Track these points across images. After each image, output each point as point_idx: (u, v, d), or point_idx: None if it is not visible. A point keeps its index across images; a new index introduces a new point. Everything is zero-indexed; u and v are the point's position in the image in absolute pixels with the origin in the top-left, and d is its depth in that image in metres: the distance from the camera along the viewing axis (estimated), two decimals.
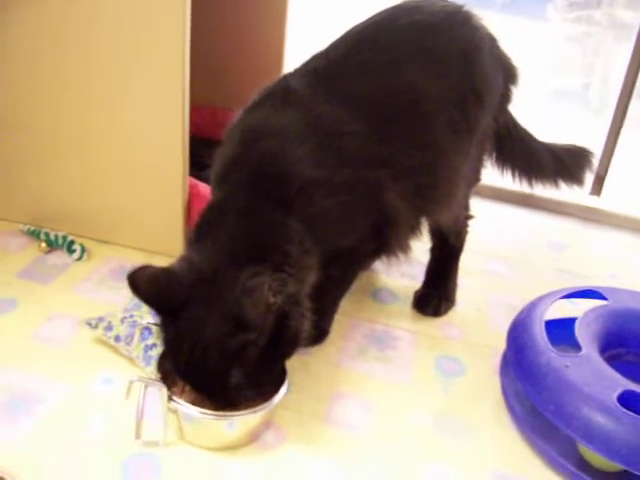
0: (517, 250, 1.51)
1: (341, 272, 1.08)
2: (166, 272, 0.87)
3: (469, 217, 1.28)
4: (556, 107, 2.97)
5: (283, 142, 0.96)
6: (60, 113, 1.26)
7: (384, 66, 1.04)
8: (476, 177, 1.24)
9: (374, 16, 1.10)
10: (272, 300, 0.82)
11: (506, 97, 1.23)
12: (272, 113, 0.99)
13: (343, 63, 1.04)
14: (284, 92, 1.02)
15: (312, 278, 0.96)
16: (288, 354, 0.91)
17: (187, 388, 0.90)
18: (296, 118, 0.98)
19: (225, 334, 0.84)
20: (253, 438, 0.93)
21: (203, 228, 0.94)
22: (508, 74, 1.20)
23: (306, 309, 0.91)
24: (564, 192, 1.39)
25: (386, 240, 1.06)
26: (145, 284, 0.85)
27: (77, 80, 1.22)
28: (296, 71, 1.07)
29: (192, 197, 1.28)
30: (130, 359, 1.03)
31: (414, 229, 1.11)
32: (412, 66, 1.05)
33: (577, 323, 1.02)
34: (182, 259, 0.91)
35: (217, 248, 0.89)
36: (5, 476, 0.84)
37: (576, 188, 1.38)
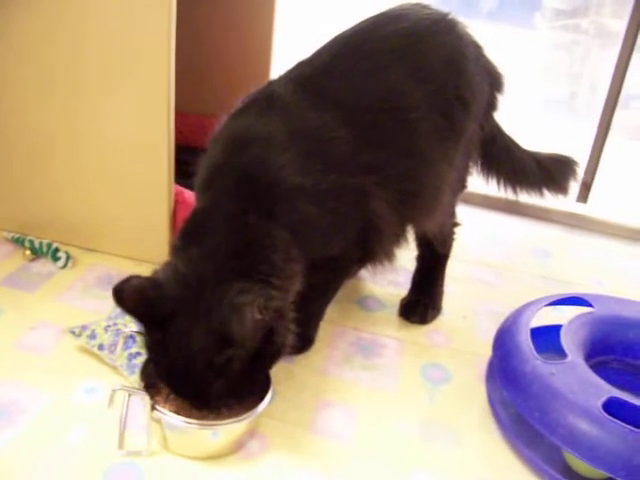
0: (503, 258, 1.52)
1: (326, 280, 1.08)
2: (152, 283, 0.87)
3: (455, 224, 1.28)
4: (543, 115, 2.99)
5: (267, 149, 0.95)
6: (46, 120, 1.25)
7: (369, 73, 1.04)
8: (462, 185, 1.24)
9: (359, 23, 1.10)
10: (259, 317, 0.81)
11: (492, 105, 1.23)
12: (256, 120, 0.99)
13: (328, 70, 1.04)
14: (269, 99, 1.02)
15: (297, 286, 0.96)
16: (271, 364, 0.91)
17: (171, 397, 0.90)
18: (280, 125, 0.97)
19: (210, 348, 0.83)
20: (237, 447, 0.92)
21: (188, 235, 0.93)
22: (494, 81, 1.20)
23: (290, 321, 0.90)
24: (550, 199, 1.39)
25: (371, 248, 1.05)
26: (131, 296, 0.84)
27: (63, 87, 1.22)
28: (281, 78, 1.06)
29: (178, 205, 1.27)
30: (114, 368, 1.02)
31: (399, 237, 1.11)
32: (397, 73, 1.05)
33: (563, 330, 1.02)
34: (167, 267, 0.90)
35: (203, 258, 0.89)
36: None
37: (561, 197, 1.38)
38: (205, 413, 0.88)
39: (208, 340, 0.84)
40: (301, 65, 1.07)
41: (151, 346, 0.88)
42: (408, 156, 1.04)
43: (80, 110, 1.23)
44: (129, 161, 1.25)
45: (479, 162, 1.28)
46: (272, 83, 1.06)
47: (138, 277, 0.86)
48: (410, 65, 1.06)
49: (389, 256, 1.09)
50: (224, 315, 0.83)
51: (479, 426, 1.02)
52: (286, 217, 0.94)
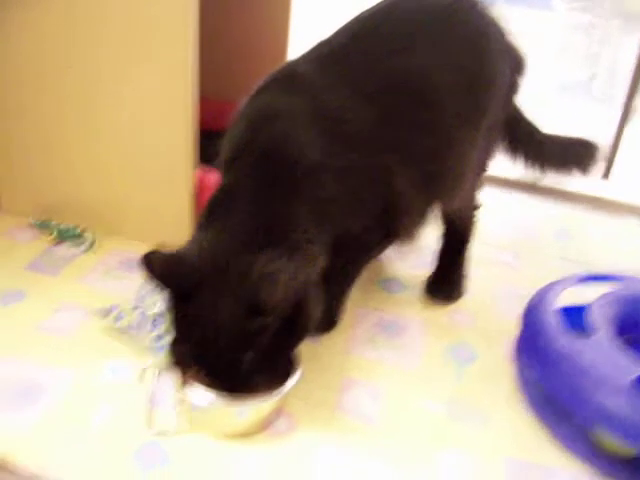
0: (525, 239, 1.50)
1: (349, 260, 1.07)
2: (180, 255, 0.87)
3: (477, 206, 1.27)
4: (561, 98, 2.95)
5: (289, 127, 0.95)
6: (65, 105, 1.25)
7: (390, 53, 1.03)
8: (483, 167, 1.23)
9: (380, 3, 1.09)
10: (288, 285, 0.81)
11: (513, 87, 1.21)
12: (278, 98, 0.99)
13: (349, 50, 1.03)
14: (290, 78, 1.02)
15: (321, 263, 0.96)
16: (300, 339, 0.91)
17: (199, 375, 0.90)
18: (302, 103, 0.97)
19: (240, 318, 0.83)
20: (265, 426, 0.92)
21: (213, 212, 0.93)
22: (515, 63, 1.18)
23: (317, 294, 0.90)
24: (571, 180, 1.38)
25: (394, 227, 1.05)
26: (159, 266, 0.85)
27: (83, 72, 1.21)
28: (301, 58, 1.06)
29: (200, 188, 1.27)
30: (140, 348, 1.03)
31: (422, 217, 1.10)
32: (418, 53, 1.04)
33: (590, 308, 1.01)
34: (193, 242, 0.90)
35: (228, 233, 0.89)
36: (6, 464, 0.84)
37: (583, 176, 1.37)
38: (233, 391, 0.88)
39: (237, 310, 0.83)
40: (321, 45, 1.07)
41: (178, 321, 0.88)
42: (431, 136, 1.03)
43: (100, 95, 1.23)
44: (151, 146, 1.24)
45: (504, 144, 1.27)
46: (292, 63, 1.06)
47: (167, 249, 0.86)
48: (431, 45, 1.05)
49: (411, 236, 1.09)
50: (254, 283, 0.83)
51: (506, 405, 1.01)
52: (309, 194, 0.94)
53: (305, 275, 0.87)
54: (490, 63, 1.10)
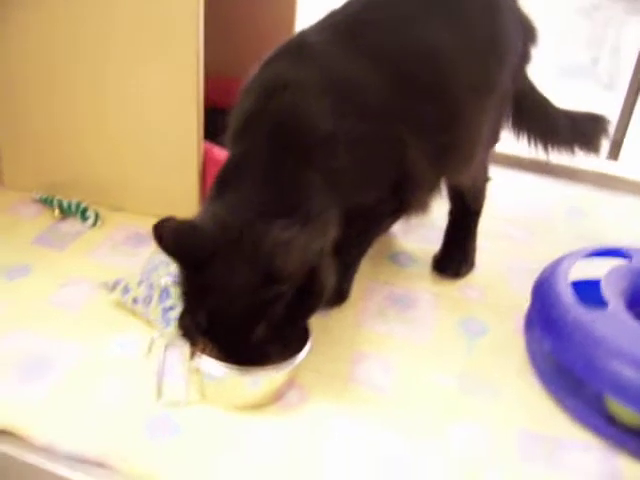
0: (535, 216, 1.49)
1: (360, 231, 1.06)
2: (191, 225, 0.86)
3: (487, 179, 1.26)
4: (564, 81, 2.94)
5: (301, 95, 0.94)
6: (73, 80, 1.24)
7: (402, 22, 1.02)
8: (495, 139, 1.22)
9: None
10: (302, 253, 0.80)
11: (524, 58, 1.21)
12: (289, 67, 0.97)
13: (360, 18, 1.02)
14: (300, 47, 1.00)
15: (333, 234, 0.95)
16: (313, 310, 0.90)
17: (209, 346, 0.89)
18: (313, 72, 0.96)
19: (252, 287, 0.82)
20: (277, 397, 0.92)
21: (224, 183, 0.92)
22: (527, 34, 1.18)
23: (330, 265, 0.89)
24: (581, 159, 1.38)
25: (406, 198, 1.04)
26: (170, 236, 0.84)
27: (91, 47, 1.20)
28: (312, 27, 1.04)
29: (207, 162, 1.26)
30: (148, 321, 1.02)
31: (434, 189, 1.09)
32: (430, 22, 1.03)
33: (603, 280, 1.00)
34: (204, 212, 0.89)
35: (241, 202, 0.88)
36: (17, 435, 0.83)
37: (591, 155, 1.36)
38: (245, 361, 0.87)
39: (250, 278, 0.82)
40: (332, 15, 1.05)
41: (190, 291, 0.87)
42: (443, 106, 1.02)
43: (108, 70, 1.21)
44: (158, 120, 1.23)
45: (511, 117, 1.26)
46: (302, 33, 1.04)
47: (178, 219, 0.85)
48: (443, 14, 1.04)
49: (423, 207, 1.08)
50: (268, 251, 0.81)
51: (518, 378, 1.01)
52: (321, 164, 0.92)
53: (318, 244, 0.86)
54: (502, 33, 1.09)
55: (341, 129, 0.93)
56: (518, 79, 1.21)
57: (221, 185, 0.92)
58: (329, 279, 0.89)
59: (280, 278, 0.81)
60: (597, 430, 0.92)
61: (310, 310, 0.90)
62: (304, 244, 0.82)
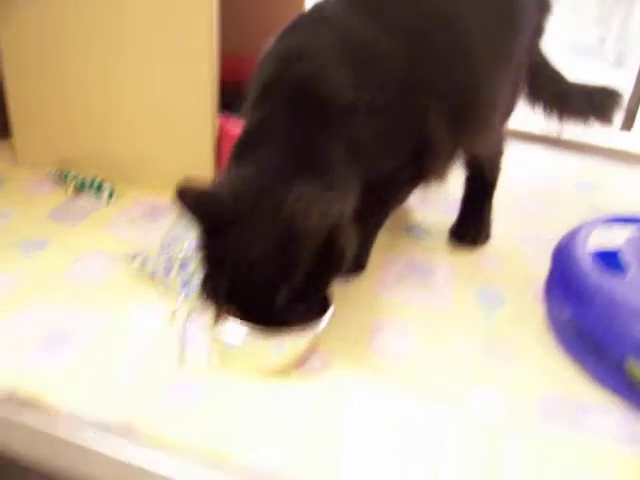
0: (548, 189, 1.50)
1: (379, 201, 1.06)
2: (213, 189, 0.86)
3: (503, 151, 1.26)
4: (570, 61, 2.92)
5: (321, 63, 0.93)
6: (87, 55, 1.24)
7: None
8: (511, 110, 1.22)
9: None
10: (324, 216, 0.81)
11: (539, 29, 1.21)
12: (309, 35, 0.97)
13: None
14: (319, 16, 1.00)
15: (353, 201, 0.95)
16: (334, 274, 0.89)
17: (233, 311, 0.89)
18: (333, 39, 0.95)
19: (276, 250, 0.82)
20: (299, 363, 0.92)
21: (244, 148, 0.92)
22: (542, 6, 1.18)
23: (351, 231, 0.89)
24: (593, 131, 1.38)
25: (425, 167, 1.04)
26: (193, 200, 0.84)
27: (106, 22, 1.20)
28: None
29: (222, 136, 1.26)
30: (167, 292, 1.02)
31: (452, 157, 1.09)
32: None
33: (622, 247, 1.00)
34: (225, 177, 0.89)
35: (261, 166, 0.87)
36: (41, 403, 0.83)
37: (605, 126, 1.36)
38: (267, 327, 0.86)
39: (273, 241, 0.82)
40: None
41: (211, 256, 0.87)
42: (463, 74, 1.02)
43: (123, 44, 1.21)
44: (172, 94, 1.23)
45: (526, 89, 1.26)
46: (319, 4, 1.04)
47: (200, 183, 0.85)
48: None
49: (441, 176, 1.08)
50: (290, 214, 0.81)
51: (537, 345, 1.01)
52: (341, 134, 0.92)
53: (339, 208, 0.86)
54: (519, 4, 1.10)
55: (362, 98, 0.93)
56: (533, 52, 1.21)
57: (241, 151, 0.92)
58: (350, 244, 0.88)
59: (301, 239, 0.81)
60: (618, 394, 0.92)
61: (331, 274, 0.89)
62: (325, 205, 0.82)
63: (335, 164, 0.91)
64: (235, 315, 0.87)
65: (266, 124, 0.92)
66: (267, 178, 0.86)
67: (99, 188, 1.27)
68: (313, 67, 0.93)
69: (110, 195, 1.26)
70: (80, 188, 1.28)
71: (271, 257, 0.83)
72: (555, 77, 1.30)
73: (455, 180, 1.18)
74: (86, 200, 1.27)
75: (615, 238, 1.05)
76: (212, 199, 0.85)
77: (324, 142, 0.91)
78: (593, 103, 1.33)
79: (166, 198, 1.19)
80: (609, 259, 1.00)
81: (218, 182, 0.89)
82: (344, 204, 0.90)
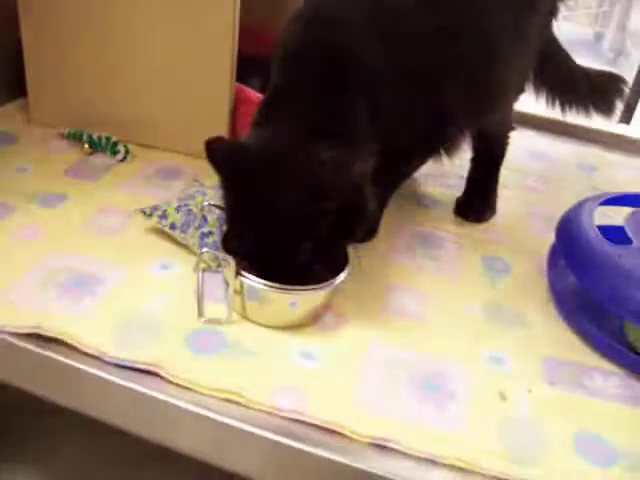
0: (550, 169, 1.54)
1: (392, 169, 1.09)
2: (242, 144, 0.88)
3: (512, 127, 1.30)
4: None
5: (350, 29, 0.95)
6: (104, 16, 1.25)
7: None
8: (522, 86, 1.26)
9: None
10: (349, 171, 0.83)
11: (552, 11, 1.24)
12: (336, 3, 0.99)
13: None
14: None
15: (370, 164, 0.97)
16: (355, 230, 0.92)
17: (254, 264, 0.90)
18: (361, 5, 0.97)
19: (301, 203, 0.85)
20: (314, 318, 0.95)
21: (270, 107, 0.95)
22: None
23: (371, 191, 0.92)
24: (593, 120, 1.42)
25: (440, 138, 1.07)
26: (221, 153, 0.86)
27: None
28: None
29: (238, 101, 1.28)
30: (186, 246, 1.04)
31: (464, 131, 1.12)
32: None
33: (626, 219, 1.04)
34: (251, 135, 0.91)
35: (288, 124, 0.90)
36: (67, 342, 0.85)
37: (605, 115, 1.40)
38: (288, 281, 0.89)
39: (299, 195, 0.85)
40: None
41: (235, 210, 0.89)
42: (482, 50, 1.04)
43: (142, 5, 1.22)
44: (189, 57, 1.24)
45: (537, 70, 1.29)
46: None
47: (228, 139, 0.87)
48: None
49: (455, 147, 1.11)
50: (316, 167, 0.84)
51: (542, 311, 1.05)
52: (367, 98, 0.95)
53: (362, 167, 0.88)
54: None
55: (388, 65, 0.95)
56: (546, 31, 1.24)
57: (267, 110, 0.95)
58: (371, 202, 0.91)
59: (326, 194, 0.84)
60: (618, 359, 0.96)
61: (353, 231, 0.92)
62: (350, 162, 0.84)
63: (360, 128, 0.94)
64: (255, 269, 0.90)
65: (294, 86, 0.95)
66: (295, 137, 0.88)
67: (114, 147, 1.28)
68: (342, 32, 0.95)
69: (125, 154, 1.28)
70: (95, 147, 1.30)
71: (297, 212, 0.85)
72: (563, 57, 1.34)
73: (464, 155, 1.21)
74: (101, 159, 1.29)
75: (614, 218, 1.10)
76: (242, 150, 0.87)
77: (351, 106, 0.93)
78: (597, 89, 1.37)
79: (179, 160, 1.21)
80: (610, 233, 1.04)
81: (246, 138, 0.91)
82: (366, 163, 0.92)
